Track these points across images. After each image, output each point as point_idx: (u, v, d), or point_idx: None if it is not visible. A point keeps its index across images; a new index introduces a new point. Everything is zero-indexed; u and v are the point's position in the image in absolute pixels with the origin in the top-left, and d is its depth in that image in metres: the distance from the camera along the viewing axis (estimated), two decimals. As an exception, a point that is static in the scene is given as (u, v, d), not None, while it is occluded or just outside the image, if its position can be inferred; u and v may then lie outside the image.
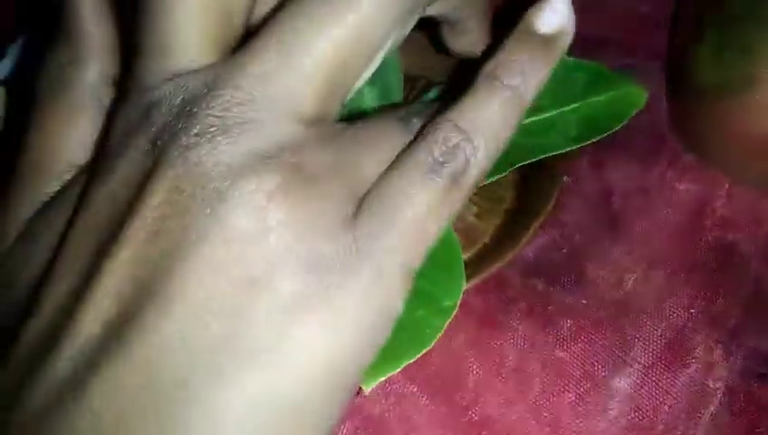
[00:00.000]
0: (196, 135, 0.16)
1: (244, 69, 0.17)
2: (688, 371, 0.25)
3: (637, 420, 0.24)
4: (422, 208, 0.17)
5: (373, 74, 0.28)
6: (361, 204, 0.17)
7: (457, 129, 0.18)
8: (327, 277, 0.16)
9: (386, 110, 0.23)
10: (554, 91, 0.28)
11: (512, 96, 0.18)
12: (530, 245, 0.29)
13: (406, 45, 0.27)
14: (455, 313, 0.23)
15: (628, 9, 0.41)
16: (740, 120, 0.28)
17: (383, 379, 0.22)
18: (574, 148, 0.25)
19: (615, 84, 0.27)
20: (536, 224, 0.27)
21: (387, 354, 0.22)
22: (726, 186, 0.31)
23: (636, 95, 0.27)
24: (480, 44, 0.24)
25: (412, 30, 0.22)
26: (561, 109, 0.27)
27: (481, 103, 0.18)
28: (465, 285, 0.24)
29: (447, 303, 0.23)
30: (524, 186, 0.30)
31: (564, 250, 0.29)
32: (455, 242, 0.25)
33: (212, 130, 0.16)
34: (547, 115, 0.27)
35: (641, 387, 0.25)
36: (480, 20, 0.23)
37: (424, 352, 0.22)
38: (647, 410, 0.24)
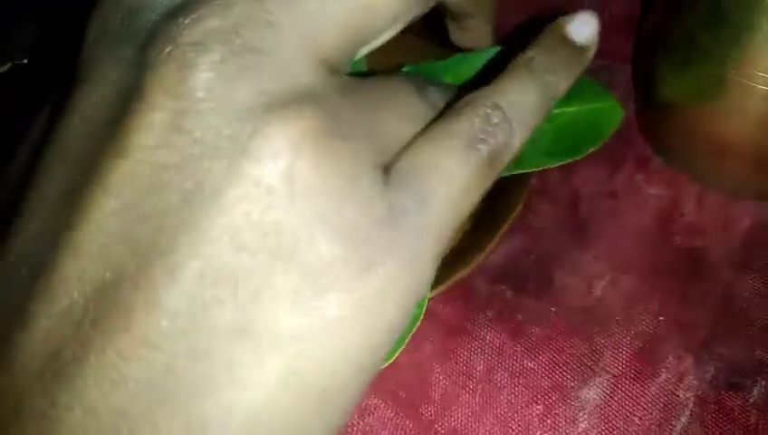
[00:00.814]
0: (201, 54, 0.13)
1: None
2: (658, 380, 0.24)
3: (607, 432, 0.23)
4: (459, 185, 0.15)
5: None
6: (392, 171, 0.15)
7: (499, 108, 0.16)
8: (360, 251, 0.14)
9: (392, 74, 0.22)
10: None
11: (545, 89, 0.18)
12: (498, 251, 0.29)
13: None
14: (417, 325, 0.22)
15: (600, 9, 0.40)
16: (708, 124, 0.28)
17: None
18: (551, 166, 0.25)
19: (592, 96, 0.26)
20: (503, 229, 0.27)
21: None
22: (696, 189, 0.30)
23: (612, 111, 0.26)
24: (484, 41, 0.24)
25: None
26: None
27: (521, 88, 0.17)
28: (429, 295, 0.23)
29: (411, 314, 0.22)
30: (493, 191, 0.29)
31: (533, 256, 0.29)
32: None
33: (220, 51, 0.13)
34: None
35: (611, 398, 0.24)
36: (486, 18, 0.24)
37: (385, 366, 0.21)
38: (617, 422, 0.24)
